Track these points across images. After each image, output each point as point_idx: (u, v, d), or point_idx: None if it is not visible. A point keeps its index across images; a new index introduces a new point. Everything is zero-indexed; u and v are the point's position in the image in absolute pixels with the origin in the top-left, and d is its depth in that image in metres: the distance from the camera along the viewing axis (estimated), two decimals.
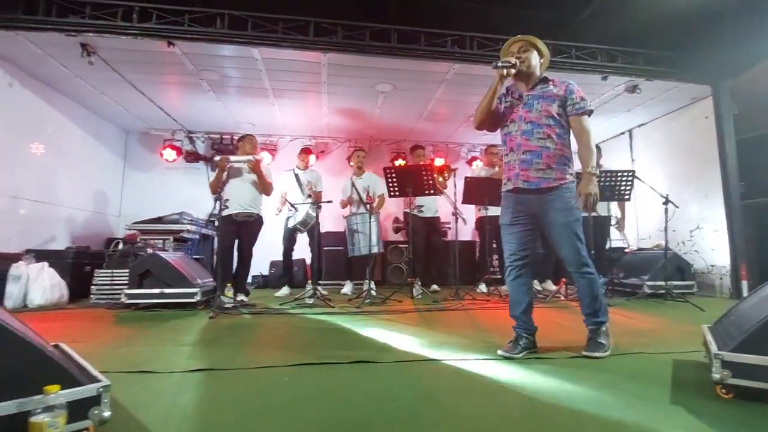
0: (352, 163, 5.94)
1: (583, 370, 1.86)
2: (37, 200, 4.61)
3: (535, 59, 2.16)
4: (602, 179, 4.27)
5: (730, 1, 4.02)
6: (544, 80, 2.16)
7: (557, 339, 2.50)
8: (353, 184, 4.82)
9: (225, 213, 3.83)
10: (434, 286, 5.09)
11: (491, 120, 2.20)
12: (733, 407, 1.40)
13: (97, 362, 1.39)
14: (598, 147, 5.04)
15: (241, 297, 4.13)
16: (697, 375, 1.75)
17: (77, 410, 1.09)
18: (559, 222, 2.05)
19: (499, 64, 2.06)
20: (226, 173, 4.06)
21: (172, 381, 1.69)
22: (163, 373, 1.77)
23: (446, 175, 5.01)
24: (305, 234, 4.73)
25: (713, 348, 1.58)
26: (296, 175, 4.96)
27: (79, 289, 4.21)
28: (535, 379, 1.72)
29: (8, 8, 3.58)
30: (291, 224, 4.67)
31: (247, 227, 4.20)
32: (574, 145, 2.16)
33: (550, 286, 4.86)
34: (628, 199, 4.38)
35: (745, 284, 4.54)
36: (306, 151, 5.37)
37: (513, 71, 2.07)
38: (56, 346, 1.47)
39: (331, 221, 6.13)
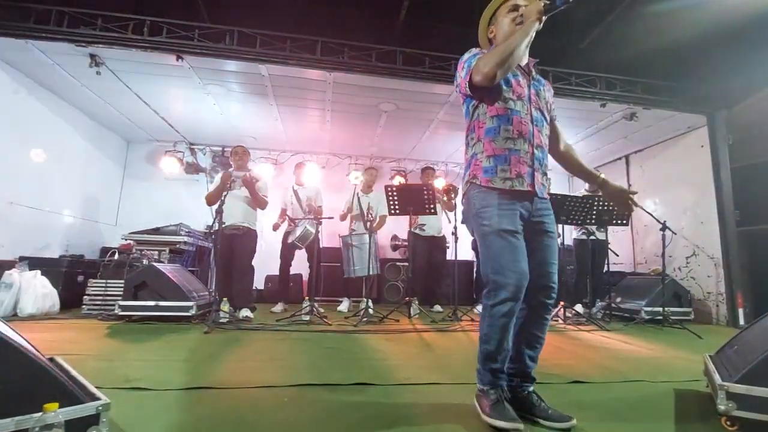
0: (360, 179, 5.95)
1: (586, 396, 1.84)
2: (33, 207, 4.57)
3: None
4: (602, 203, 4.32)
5: (724, 34, 4.15)
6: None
7: (558, 363, 2.49)
8: (358, 200, 4.80)
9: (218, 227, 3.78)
10: (437, 307, 5.05)
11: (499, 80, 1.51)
12: None
13: (90, 377, 1.36)
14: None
15: (245, 313, 3.96)
16: (700, 405, 1.74)
17: (75, 429, 1.06)
18: (555, 238, 1.65)
19: None
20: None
21: (169, 399, 1.64)
22: (159, 390, 1.73)
23: (453, 195, 4.94)
24: (303, 249, 4.70)
25: (717, 378, 1.57)
26: (295, 191, 4.96)
27: (70, 298, 4.14)
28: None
29: (20, 17, 3.63)
30: (290, 240, 4.62)
31: (237, 240, 4.09)
32: None
33: None
34: (627, 224, 4.42)
35: (741, 312, 4.55)
36: (300, 166, 5.26)
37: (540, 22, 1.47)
38: (51, 360, 1.44)
39: (329, 237, 6.11)
